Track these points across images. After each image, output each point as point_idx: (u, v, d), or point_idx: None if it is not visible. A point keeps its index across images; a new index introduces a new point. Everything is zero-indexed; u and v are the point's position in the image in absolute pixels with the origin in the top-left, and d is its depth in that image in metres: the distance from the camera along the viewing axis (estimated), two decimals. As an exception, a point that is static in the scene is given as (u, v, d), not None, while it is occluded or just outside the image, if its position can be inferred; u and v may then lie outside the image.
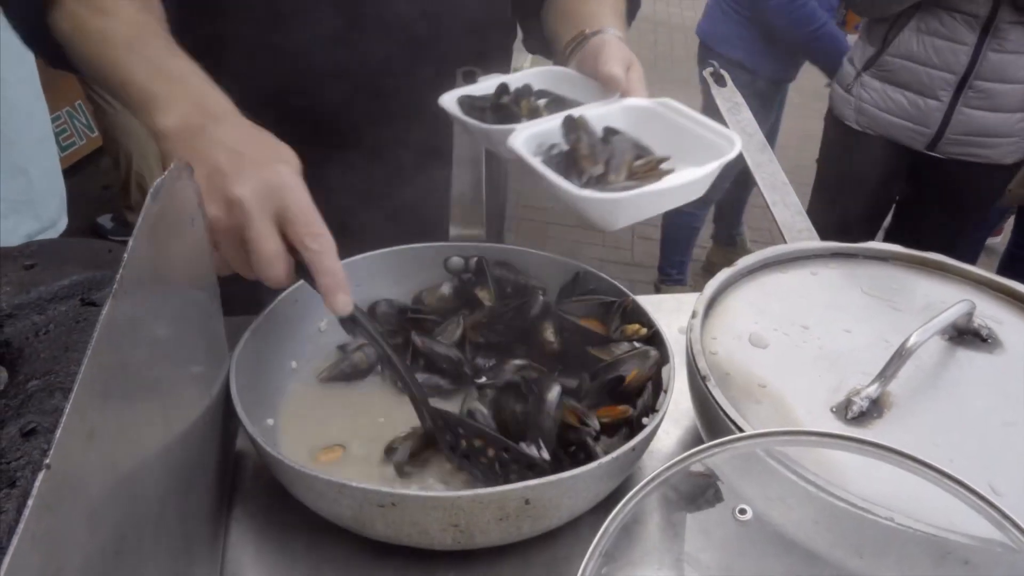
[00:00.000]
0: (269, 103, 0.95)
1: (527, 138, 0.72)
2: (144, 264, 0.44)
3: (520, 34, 1.11)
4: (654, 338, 0.73)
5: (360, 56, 0.92)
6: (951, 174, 1.94)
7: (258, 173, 0.61)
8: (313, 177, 0.98)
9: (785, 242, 0.85)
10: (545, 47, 1.03)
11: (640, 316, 0.75)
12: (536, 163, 0.69)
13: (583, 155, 0.70)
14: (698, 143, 0.72)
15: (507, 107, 0.80)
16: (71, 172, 3.65)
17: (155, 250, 0.47)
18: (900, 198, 2.16)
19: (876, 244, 0.84)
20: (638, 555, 0.60)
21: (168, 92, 0.67)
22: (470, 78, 0.95)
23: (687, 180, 0.67)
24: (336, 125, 0.98)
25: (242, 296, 0.76)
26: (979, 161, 1.90)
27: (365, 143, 0.99)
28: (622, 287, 0.78)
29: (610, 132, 0.75)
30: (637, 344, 0.73)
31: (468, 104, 0.81)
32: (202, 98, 0.67)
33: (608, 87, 0.79)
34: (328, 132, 0.98)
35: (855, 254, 0.83)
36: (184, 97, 0.67)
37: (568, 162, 0.70)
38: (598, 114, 0.76)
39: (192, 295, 0.58)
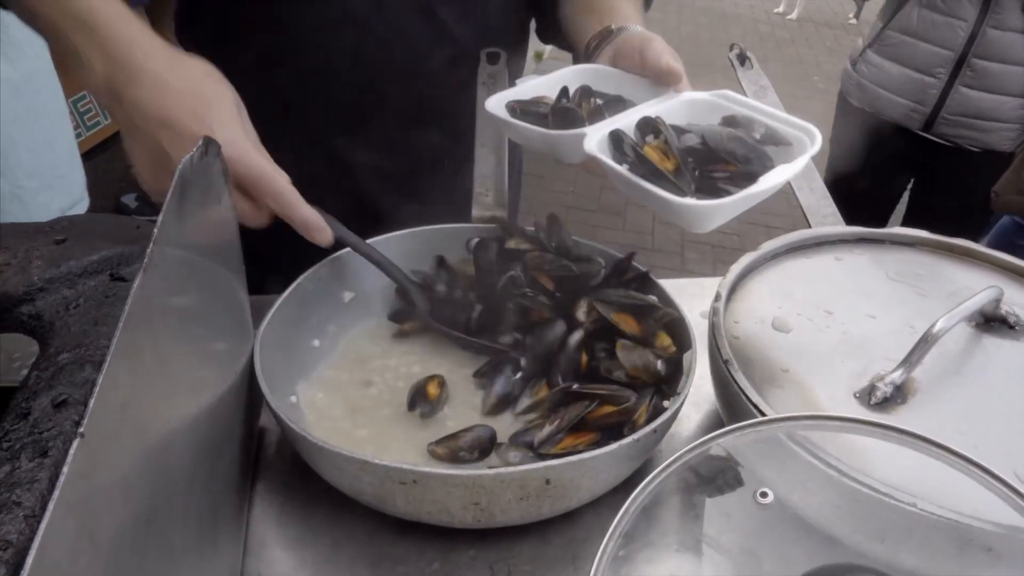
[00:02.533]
0: (291, 88, 0.95)
1: (600, 142, 0.69)
2: (173, 240, 0.44)
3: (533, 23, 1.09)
4: (681, 343, 0.71)
5: (381, 39, 0.91)
6: (951, 159, 1.90)
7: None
8: (335, 160, 0.99)
9: (810, 226, 0.84)
10: (560, 38, 1.01)
11: (678, 330, 0.72)
12: (622, 170, 0.65)
13: (661, 157, 0.66)
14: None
15: (570, 110, 0.75)
16: (97, 151, 3.69)
17: (183, 227, 0.47)
18: (908, 185, 2.14)
19: (902, 229, 0.83)
20: (657, 536, 0.60)
21: (85, 45, 0.63)
22: (494, 60, 0.94)
23: (780, 180, 0.63)
24: (358, 109, 0.98)
25: (267, 275, 0.77)
26: (975, 148, 1.86)
27: (388, 125, 0.99)
28: (665, 290, 0.76)
29: (679, 131, 0.70)
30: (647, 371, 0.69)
31: (521, 110, 0.78)
32: (114, 50, 0.62)
33: (667, 81, 0.76)
34: (350, 116, 0.98)
35: (881, 239, 0.83)
36: (98, 51, 0.62)
37: (645, 165, 0.65)
38: (660, 110, 0.73)
39: (218, 272, 0.58)
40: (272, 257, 0.78)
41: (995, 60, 1.75)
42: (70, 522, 0.29)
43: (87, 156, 3.62)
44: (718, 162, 0.66)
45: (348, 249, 0.79)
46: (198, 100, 0.63)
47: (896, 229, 0.83)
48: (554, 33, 1.03)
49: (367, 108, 0.98)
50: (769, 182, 0.62)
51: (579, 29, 0.91)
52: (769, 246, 0.79)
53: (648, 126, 0.69)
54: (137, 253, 0.56)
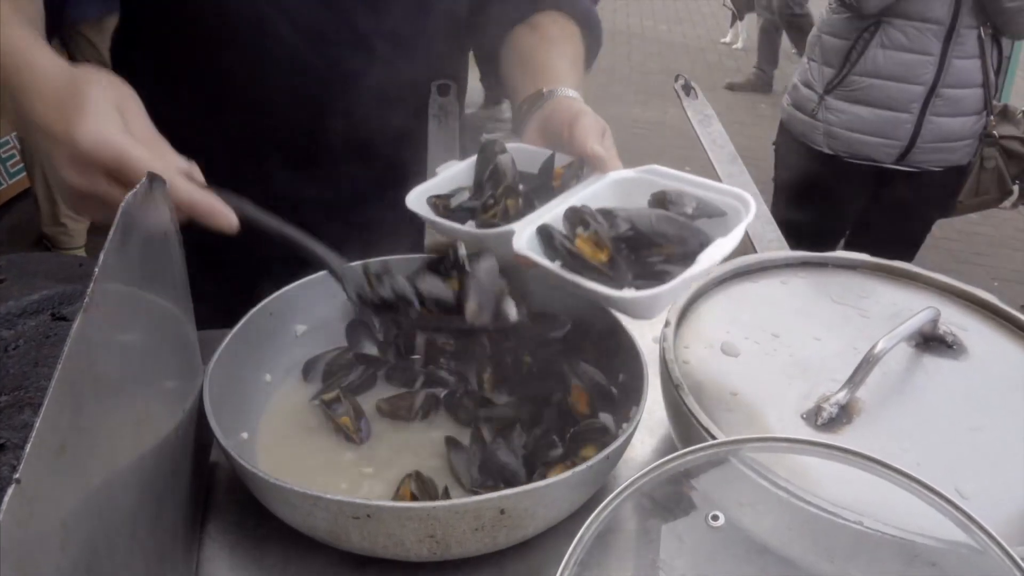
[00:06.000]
0: (230, 124, 0.95)
1: (529, 239, 0.68)
2: (115, 278, 0.44)
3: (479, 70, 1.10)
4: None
5: (320, 77, 0.92)
6: (916, 183, 1.98)
7: (67, 149, 0.57)
8: (276, 194, 0.98)
9: (756, 252, 0.86)
10: (501, 87, 1.01)
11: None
12: (555, 268, 0.66)
13: (593, 250, 0.66)
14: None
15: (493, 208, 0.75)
16: (21, 198, 3.54)
17: (127, 264, 0.47)
18: (861, 210, 2.21)
19: (844, 253, 0.85)
20: (613, 563, 0.60)
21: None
22: (445, 91, 0.95)
23: (718, 256, 0.64)
24: (299, 143, 0.98)
25: (216, 310, 0.76)
26: (938, 168, 1.98)
27: (329, 158, 0.99)
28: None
29: (609, 215, 0.70)
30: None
31: (444, 206, 0.78)
32: (15, 78, 0.61)
33: (593, 167, 0.76)
34: (291, 150, 0.98)
35: (824, 263, 0.85)
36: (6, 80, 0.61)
37: (577, 260, 0.66)
38: (587, 195, 0.73)
39: (165, 309, 0.57)
40: (221, 290, 0.77)
41: (958, 87, 1.88)
42: (6, 570, 0.28)
43: (10, 203, 3.50)
44: (652, 246, 0.67)
45: (300, 282, 0.79)
46: (68, 99, 0.59)
47: (838, 253, 0.85)
48: (494, 83, 1.04)
49: (309, 142, 0.98)
50: (707, 260, 0.63)
51: (514, 87, 0.92)
52: (717, 272, 0.81)
53: (576, 216, 0.68)
54: (79, 292, 0.55)
